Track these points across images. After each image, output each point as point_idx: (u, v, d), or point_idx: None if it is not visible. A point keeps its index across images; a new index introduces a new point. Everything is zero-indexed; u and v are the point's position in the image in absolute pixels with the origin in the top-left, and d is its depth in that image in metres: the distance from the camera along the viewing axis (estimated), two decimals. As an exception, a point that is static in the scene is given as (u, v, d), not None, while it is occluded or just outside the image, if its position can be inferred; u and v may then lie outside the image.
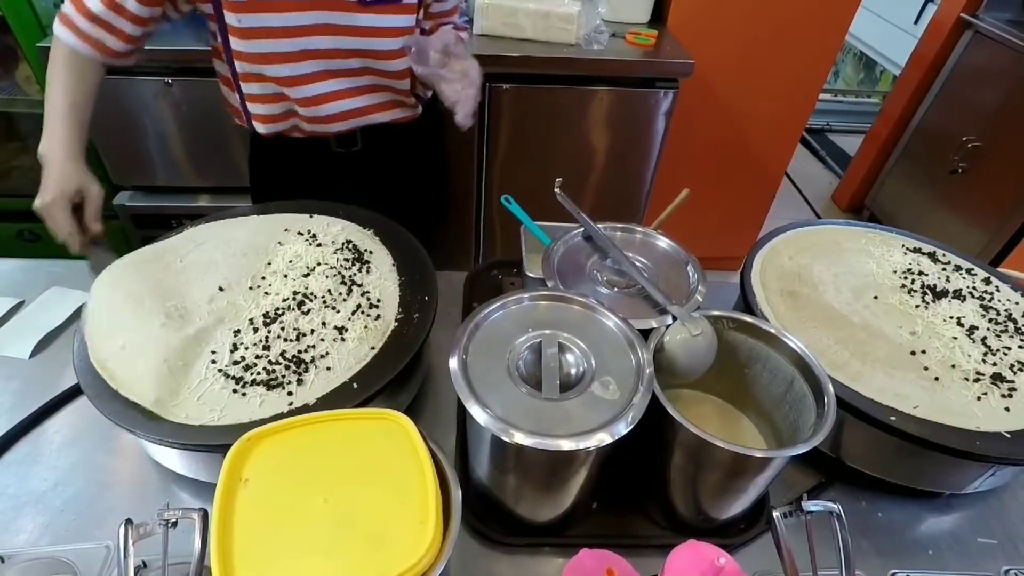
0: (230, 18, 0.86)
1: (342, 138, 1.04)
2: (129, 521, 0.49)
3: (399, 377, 0.67)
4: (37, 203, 0.78)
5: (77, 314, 0.88)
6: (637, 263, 0.76)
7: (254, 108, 0.98)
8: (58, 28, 0.84)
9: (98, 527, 0.64)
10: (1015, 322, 0.81)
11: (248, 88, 0.95)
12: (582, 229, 0.80)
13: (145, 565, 0.56)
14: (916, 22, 3.03)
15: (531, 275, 0.81)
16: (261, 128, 1.00)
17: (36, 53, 1.50)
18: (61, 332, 0.87)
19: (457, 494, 0.51)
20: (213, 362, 0.66)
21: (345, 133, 1.03)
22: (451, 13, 1.06)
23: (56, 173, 0.79)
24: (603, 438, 0.52)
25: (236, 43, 0.88)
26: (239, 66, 0.91)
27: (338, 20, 0.89)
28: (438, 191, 1.39)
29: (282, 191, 1.07)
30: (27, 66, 1.57)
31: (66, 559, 0.60)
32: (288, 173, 1.09)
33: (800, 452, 0.56)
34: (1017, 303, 0.85)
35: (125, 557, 0.48)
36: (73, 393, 0.77)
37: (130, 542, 0.49)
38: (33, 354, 0.83)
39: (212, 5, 0.87)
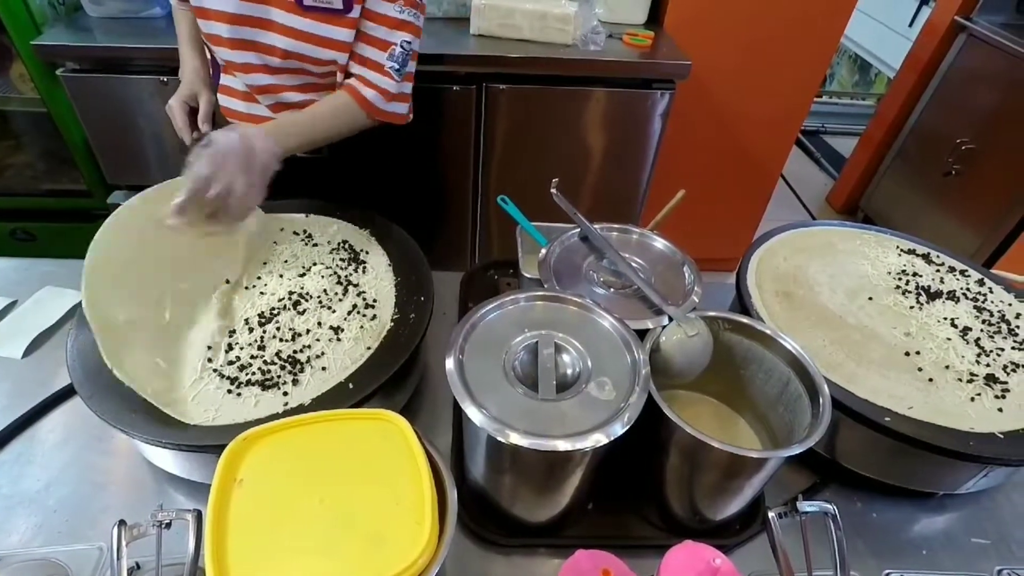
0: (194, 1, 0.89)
1: None
2: (122, 522, 0.49)
3: (395, 377, 0.67)
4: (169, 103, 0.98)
5: (70, 313, 0.88)
6: (633, 264, 0.76)
7: (223, 80, 1.03)
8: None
9: (91, 528, 0.64)
10: (1008, 323, 0.81)
11: (220, 69, 1.01)
12: (578, 230, 0.80)
13: (139, 566, 0.56)
14: (911, 25, 3.04)
15: (527, 276, 0.81)
16: (223, 101, 1.05)
17: (30, 51, 1.49)
18: (54, 332, 0.86)
19: (453, 494, 0.51)
20: (209, 360, 0.66)
21: None
22: (378, 44, 0.92)
23: (183, 82, 1.00)
24: (599, 439, 0.52)
25: (200, 23, 0.92)
26: (210, 46, 0.96)
27: (278, 18, 0.89)
28: (422, 194, 1.37)
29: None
30: (21, 64, 1.55)
31: (59, 560, 0.60)
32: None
33: (795, 453, 0.56)
34: (1010, 304, 0.85)
35: (118, 558, 0.48)
36: (66, 393, 0.77)
37: (123, 543, 0.48)
38: (26, 354, 0.82)
39: None
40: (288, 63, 0.93)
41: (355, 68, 0.94)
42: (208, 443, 0.59)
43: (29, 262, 0.99)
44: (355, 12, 0.89)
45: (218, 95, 1.05)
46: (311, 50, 0.91)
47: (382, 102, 0.95)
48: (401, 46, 0.92)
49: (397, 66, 0.93)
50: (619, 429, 0.53)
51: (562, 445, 0.52)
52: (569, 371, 0.61)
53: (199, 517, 0.50)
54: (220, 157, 0.72)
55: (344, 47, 0.91)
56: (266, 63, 0.94)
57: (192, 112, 0.98)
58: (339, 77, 0.97)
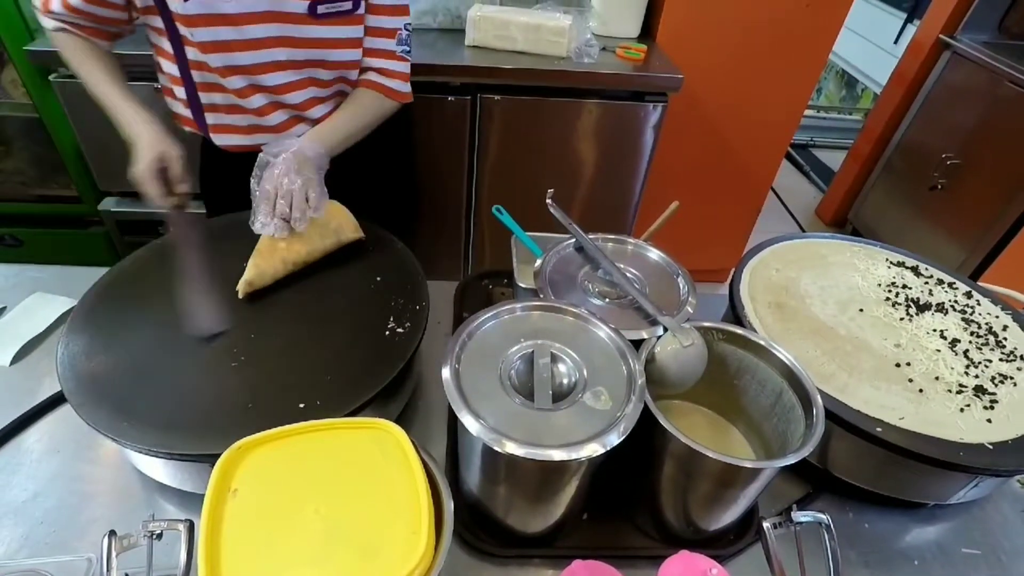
0: (183, 31, 0.85)
1: None
2: (112, 532, 0.48)
3: (389, 387, 0.67)
4: (130, 173, 0.85)
5: (60, 320, 0.87)
6: (628, 274, 0.76)
7: (214, 119, 0.97)
8: (45, 20, 0.90)
9: (79, 539, 0.63)
10: (995, 335, 0.82)
11: (209, 98, 0.94)
12: (573, 240, 0.81)
13: (128, 577, 0.55)
14: (896, 42, 3.11)
15: (523, 285, 0.81)
16: (220, 140, 1.00)
17: (23, 57, 1.48)
18: (44, 339, 0.85)
19: (449, 504, 0.50)
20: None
21: None
22: (385, 34, 0.98)
23: (144, 143, 0.85)
24: (595, 448, 0.52)
25: (193, 53, 0.88)
26: (197, 76, 0.91)
27: (292, 32, 0.89)
28: (416, 203, 1.37)
29: (237, 203, 1.00)
30: (13, 69, 1.55)
31: (46, 572, 0.59)
32: (243, 185, 1.01)
33: (790, 463, 0.56)
34: (997, 316, 0.87)
35: (108, 569, 0.47)
36: (55, 401, 0.76)
37: (113, 554, 0.48)
38: (14, 361, 0.81)
39: (161, 19, 0.86)
40: (300, 73, 0.94)
41: (370, 62, 0.99)
42: (201, 452, 0.58)
43: (18, 268, 0.98)
44: (362, 8, 0.92)
45: (213, 135, 1.00)
46: (325, 54, 0.93)
47: (403, 86, 1.02)
48: (405, 28, 0.99)
49: (407, 48, 1.01)
50: (615, 439, 0.53)
51: (558, 455, 0.52)
52: (565, 381, 0.61)
53: (191, 528, 0.49)
54: (281, 172, 0.80)
55: (357, 43, 0.95)
56: (267, 82, 0.93)
57: (162, 172, 0.85)
58: (353, 76, 1.00)
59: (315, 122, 1.00)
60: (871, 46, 3.42)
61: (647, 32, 1.89)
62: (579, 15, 1.70)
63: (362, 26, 0.94)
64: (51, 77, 1.51)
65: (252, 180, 0.83)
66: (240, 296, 0.75)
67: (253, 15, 0.85)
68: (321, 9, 0.88)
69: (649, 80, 1.66)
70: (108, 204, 1.77)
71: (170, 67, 0.92)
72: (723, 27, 1.84)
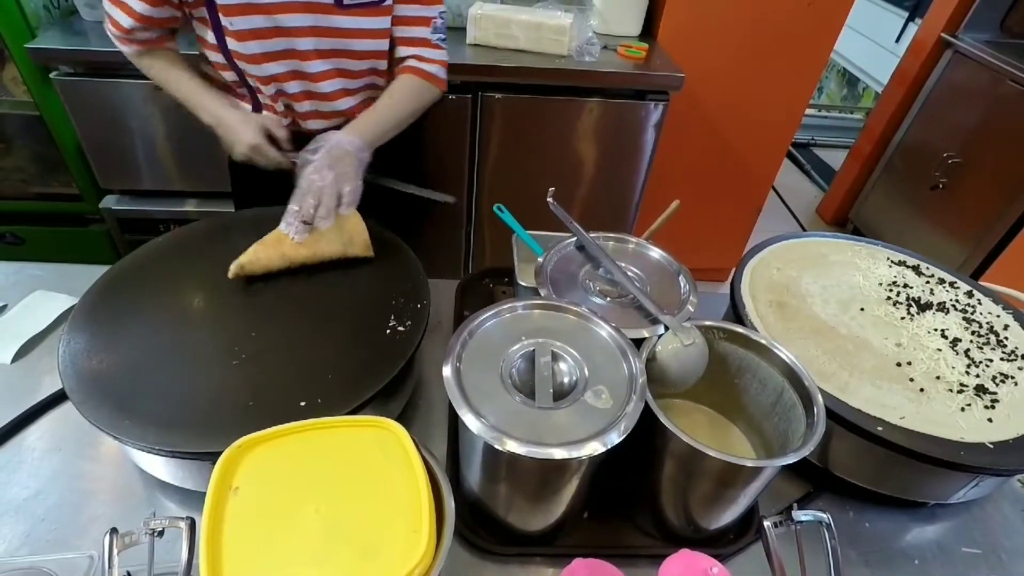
0: (223, 21, 0.88)
1: None
2: (114, 530, 0.48)
3: (390, 386, 0.67)
4: (243, 150, 0.92)
5: (61, 318, 0.87)
6: (629, 273, 0.76)
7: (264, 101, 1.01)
8: (125, 48, 0.94)
9: (81, 537, 0.63)
10: (996, 335, 0.82)
11: (253, 82, 0.98)
12: (574, 239, 0.81)
13: (130, 575, 0.55)
14: (897, 41, 3.10)
15: (524, 284, 0.81)
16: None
17: (24, 54, 1.48)
18: (45, 336, 0.85)
19: (450, 502, 0.50)
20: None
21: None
22: (420, 23, 1.00)
23: (239, 121, 0.92)
24: (596, 447, 0.52)
25: (232, 43, 0.91)
26: (241, 65, 0.94)
27: (319, 22, 0.91)
28: (417, 201, 1.38)
29: (264, 194, 1.03)
30: (14, 67, 1.54)
31: (48, 569, 0.59)
32: (269, 177, 1.04)
33: (791, 462, 0.56)
34: (998, 316, 0.87)
35: (110, 567, 0.47)
36: (56, 399, 0.76)
37: (115, 551, 0.48)
38: (15, 359, 0.81)
39: (207, 9, 0.88)
40: (328, 63, 0.96)
41: (407, 51, 1.01)
42: (202, 450, 0.58)
43: (19, 265, 0.98)
44: (389, 0, 0.95)
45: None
46: (351, 44, 0.95)
47: (443, 72, 1.04)
48: (440, 17, 1.01)
49: (443, 36, 1.03)
50: (615, 438, 0.53)
51: (558, 453, 0.52)
52: (566, 379, 0.61)
53: (192, 525, 0.49)
54: (313, 168, 0.83)
55: (383, 34, 0.97)
56: (302, 69, 0.96)
57: (271, 140, 0.94)
58: (383, 67, 1.02)
59: (340, 114, 1.03)
60: (873, 45, 3.42)
61: (648, 31, 1.89)
62: (580, 13, 1.70)
63: (388, 17, 0.96)
64: (52, 75, 1.51)
65: (297, 181, 0.84)
66: (230, 276, 0.75)
67: (284, 4, 0.88)
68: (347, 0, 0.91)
69: (650, 79, 1.65)
70: (109, 202, 1.77)
71: (215, 56, 0.95)
72: (725, 26, 1.83)
